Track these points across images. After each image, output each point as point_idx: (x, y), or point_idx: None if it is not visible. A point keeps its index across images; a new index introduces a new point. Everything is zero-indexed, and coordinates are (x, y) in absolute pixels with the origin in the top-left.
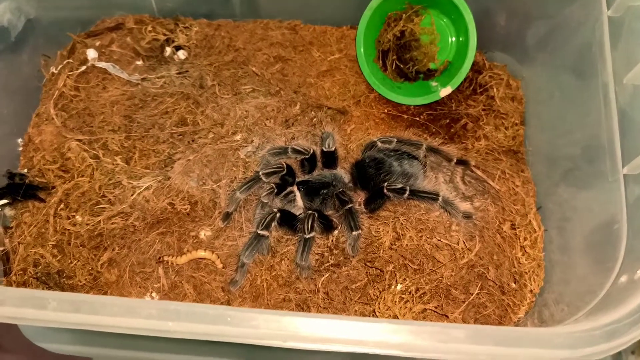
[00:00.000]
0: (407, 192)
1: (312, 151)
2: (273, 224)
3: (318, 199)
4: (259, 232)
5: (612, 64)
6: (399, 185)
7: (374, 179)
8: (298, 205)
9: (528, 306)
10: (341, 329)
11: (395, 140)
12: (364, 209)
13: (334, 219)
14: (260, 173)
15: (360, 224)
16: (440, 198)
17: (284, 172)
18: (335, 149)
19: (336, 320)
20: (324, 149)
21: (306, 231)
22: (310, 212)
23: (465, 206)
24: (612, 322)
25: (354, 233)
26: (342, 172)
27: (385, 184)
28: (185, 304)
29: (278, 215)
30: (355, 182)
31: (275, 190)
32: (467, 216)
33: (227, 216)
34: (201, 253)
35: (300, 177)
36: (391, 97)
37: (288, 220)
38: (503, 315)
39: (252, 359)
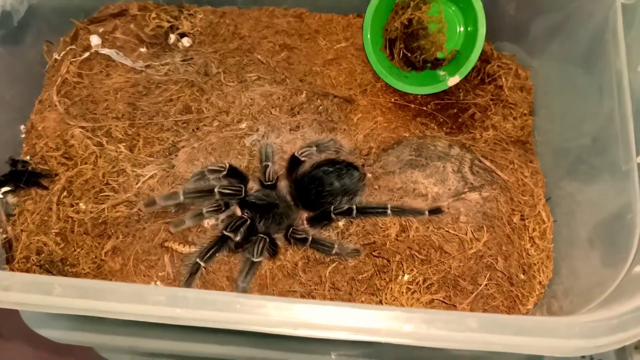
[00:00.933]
0: (355, 211)
1: (227, 167)
2: (242, 228)
3: (262, 223)
4: (226, 232)
5: (625, 52)
6: (345, 207)
7: (315, 198)
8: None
9: (537, 298)
10: (352, 316)
11: (314, 147)
12: (307, 227)
13: (279, 242)
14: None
15: (330, 242)
16: (389, 209)
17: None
18: (276, 179)
19: (347, 308)
20: (265, 182)
21: (255, 254)
22: (262, 236)
23: (420, 203)
24: (629, 311)
25: (334, 251)
26: (283, 189)
27: (332, 207)
28: (193, 290)
29: (248, 223)
30: (296, 201)
31: (223, 209)
32: (434, 210)
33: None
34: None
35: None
36: (398, 86)
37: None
38: (512, 307)
39: (265, 350)
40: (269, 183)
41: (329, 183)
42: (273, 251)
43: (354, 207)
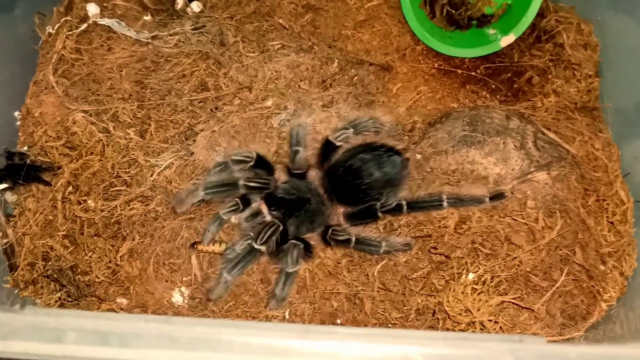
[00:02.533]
0: (405, 207)
1: (255, 157)
2: (274, 238)
3: (292, 222)
4: (256, 245)
5: None
6: (394, 203)
7: (354, 192)
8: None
9: (620, 292)
10: None
11: (352, 129)
12: (346, 224)
13: (313, 242)
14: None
15: (377, 240)
16: (444, 200)
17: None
18: (307, 167)
19: None
20: (293, 170)
21: (290, 264)
22: (294, 242)
23: (480, 189)
24: None
25: (382, 250)
26: (314, 180)
27: (378, 204)
28: (238, 326)
29: (281, 229)
30: (331, 195)
31: (241, 207)
32: (496, 196)
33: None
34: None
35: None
36: (442, 49)
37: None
38: (592, 304)
39: None
40: (297, 171)
41: (369, 174)
42: (308, 255)
43: (404, 202)
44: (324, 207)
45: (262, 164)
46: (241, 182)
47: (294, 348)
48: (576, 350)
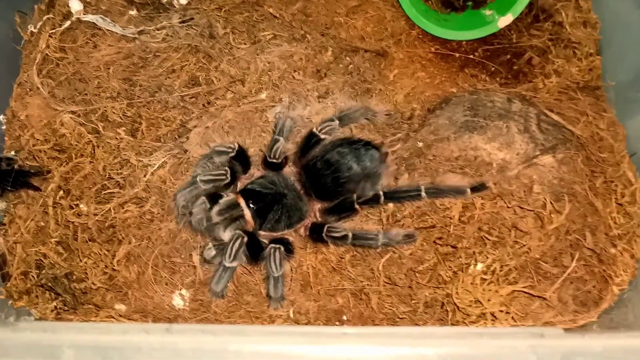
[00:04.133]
0: (382, 198)
1: (236, 147)
2: (241, 251)
3: (272, 216)
4: (227, 264)
5: None
6: (371, 194)
7: (332, 186)
8: (246, 221)
9: (632, 274)
10: None
11: (337, 120)
12: (320, 219)
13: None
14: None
15: (372, 233)
16: (422, 191)
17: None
18: (284, 159)
19: None
20: (269, 159)
21: (275, 270)
22: (273, 246)
23: (464, 181)
24: None
25: (379, 242)
26: (291, 175)
27: (355, 196)
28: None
29: (246, 240)
30: (308, 191)
31: (207, 206)
32: (477, 187)
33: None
34: None
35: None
36: (438, 32)
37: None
38: (604, 289)
39: None
40: (272, 161)
41: (347, 167)
42: (289, 254)
43: (381, 193)
44: (301, 202)
45: (241, 157)
46: (199, 178)
47: (306, 354)
48: (600, 343)
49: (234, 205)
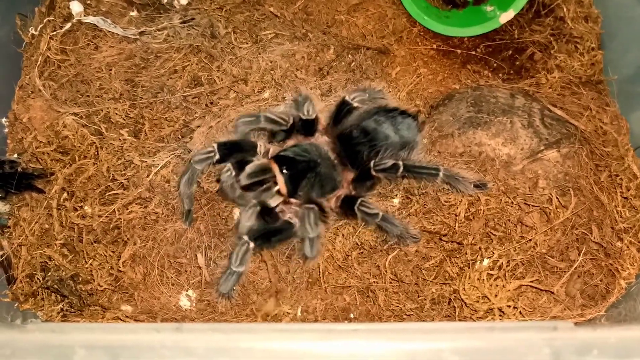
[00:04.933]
0: (401, 169)
1: (291, 121)
2: (248, 256)
3: (305, 184)
4: (234, 269)
5: None
6: (389, 163)
7: (366, 154)
8: (278, 189)
9: (638, 268)
10: None
11: (367, 93)
12: (353, 192)
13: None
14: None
15: (398, 222)
16: (441, 172)
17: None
18: (315, 116)
19: None
20: (302, 116)
21: (310, 230)
22: (307, 206)
23: (473, 175)
24: None
25: (398, 231)
26: (325, 145)
27: (372, 163)
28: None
29: (252, 246)
30: (343, 160)
31: (232, 173)
32: (479, 185)
33: (187, 215)
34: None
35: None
36: (439, 29)
37: (268, 239)
38: (610, 283)
39: None
40: (307, 118)
41: (384, 136)
42: (324, 219)
43: (401, 163)
44: (334, 172)
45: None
46: (263, 115)
47: (317, 350)
48: (614, 335)
49: (266, 169)
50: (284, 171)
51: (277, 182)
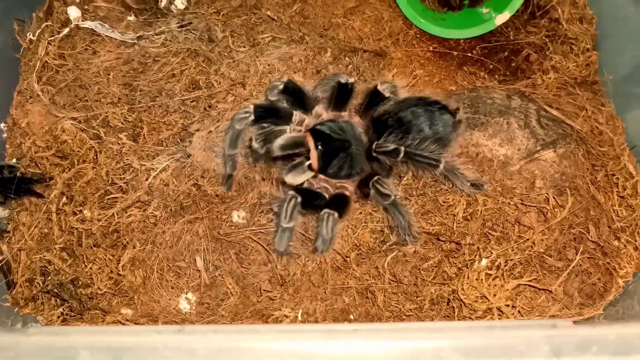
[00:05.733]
0: (402, 154)
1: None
2: (297, 211)
3: (336, 163)
4: (284, 225)
5: None
6: (391, 147)
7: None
8: (310, 164)
9: (635, 267)
10: None
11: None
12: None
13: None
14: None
15: (406, 210)
16: (442, 164)
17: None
18: (353, 83)
19: None
20: (341, 80)
21: (326, 233)
22: (328, 211)
23: (472, 174)
24: None
25: (405, 221)
26: (359, 125)
27: (374, 145)
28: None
29: (299, 200)
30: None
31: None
32: (476, 185)
33: (227, 180)
34: None
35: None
36: (435, 31)
37: (311, 200)
38: (608, 281)
39: None
40: (346, 81)
41: (418, 130)
42: (342, 214)
43: (402, 148)
44: (364, 155)
45: (294, 92)
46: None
47: (318, 351)
48: (613, 332)
49: (301, 143)
50: (319, 147)
51: (309, 157)
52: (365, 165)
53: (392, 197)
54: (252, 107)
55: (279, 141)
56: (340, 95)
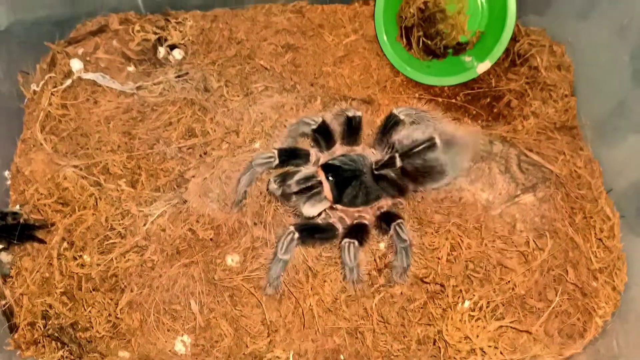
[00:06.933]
0: (398, 159)
1: (320, 120)
2: (293, 245)
3: (350, 191)
4: (280, 257)
5: None
6: (386, 158)
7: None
8: (324, 196)
9: (614, 306)
10: None
11: (415, 111)
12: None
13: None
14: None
15: (408, 259)
16: (437, 139)
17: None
18: (361, 116)
19: None
20: (348, 114)
21: (349, 262)
22: (348, 240)
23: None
24: None
25: (404, 266)
26: (372, 156)
27: (373, 164)
28: None
29: (297, 236)
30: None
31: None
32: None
33: (238, 203)
34: None
35: (320, 156)
36: (421, 79)
37: (312, 234)
38: (587, 321)
39: None
40: (353, 115)
41: (439, 172)
42: (363, 242)
43: (395, 155)
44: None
45: (324, 131)
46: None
47: None
48: None
49: (312, 176)
50: (330, 178)
51: (322, 189)
52: (378, 190)
53: (408, 243)
54: (275, 151)
55: (295, 177)
56: (350, 129)
